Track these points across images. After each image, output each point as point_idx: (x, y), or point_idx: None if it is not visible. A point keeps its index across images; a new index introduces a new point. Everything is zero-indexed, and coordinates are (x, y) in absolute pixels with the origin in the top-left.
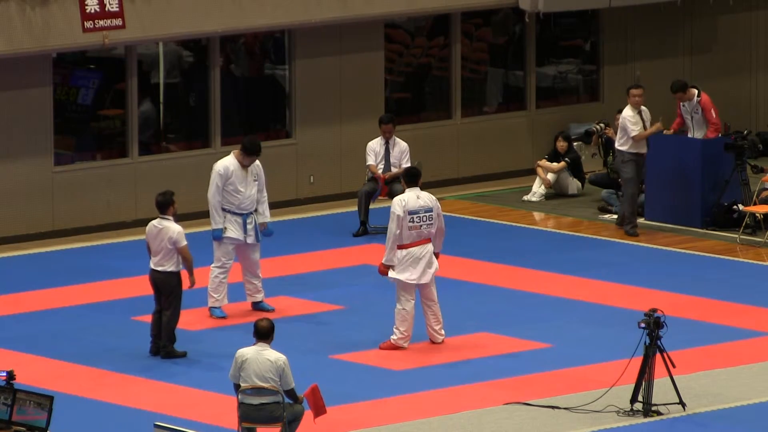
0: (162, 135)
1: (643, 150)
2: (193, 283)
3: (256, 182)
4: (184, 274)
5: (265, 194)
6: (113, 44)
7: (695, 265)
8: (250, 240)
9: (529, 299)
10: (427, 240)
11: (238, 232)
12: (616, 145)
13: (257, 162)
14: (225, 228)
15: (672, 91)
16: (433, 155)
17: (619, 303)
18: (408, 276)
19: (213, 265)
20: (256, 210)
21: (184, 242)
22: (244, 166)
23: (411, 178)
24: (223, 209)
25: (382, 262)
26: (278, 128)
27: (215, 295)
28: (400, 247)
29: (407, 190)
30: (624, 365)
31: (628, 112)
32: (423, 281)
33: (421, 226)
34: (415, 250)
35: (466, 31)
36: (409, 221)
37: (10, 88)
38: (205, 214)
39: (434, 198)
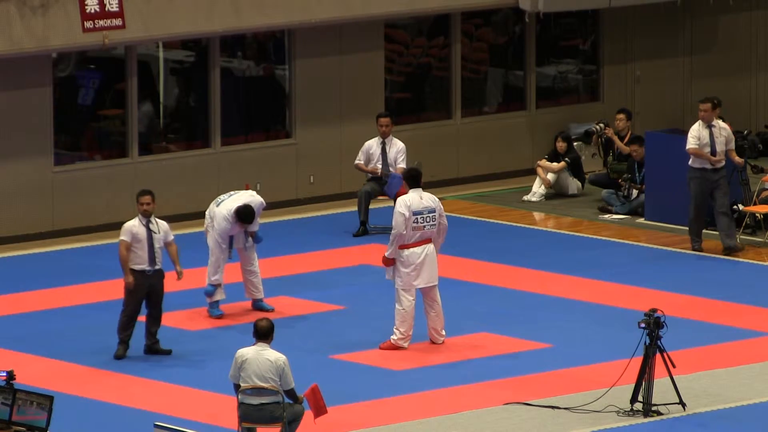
0: (162, 135)
1: (710, 166)
2: (127, 283)
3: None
4: (173, 275)
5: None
6: (113, 44)
7: (695, 265)
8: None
9: (529, 299)
10: (429, 240)
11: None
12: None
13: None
14: (220, 285)
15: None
16: (433, 155)
17: (619, 303)
18: (413, 282)
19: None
20: None
21: (121, 237)
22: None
23: (413, 179)
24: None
25: (386, 255)
26: (278, 128)
27: (214, 277)
28: (403, 246)
29: (410, 191)
30: (624, 365)
31: (693, 126)
32: (429, 284)
33: (424, 226)
34: (417, 250)
35: (466, 31)
36: (414, 222)
37: (10, 88)
38: (202, 215)
39: (436, 198)
